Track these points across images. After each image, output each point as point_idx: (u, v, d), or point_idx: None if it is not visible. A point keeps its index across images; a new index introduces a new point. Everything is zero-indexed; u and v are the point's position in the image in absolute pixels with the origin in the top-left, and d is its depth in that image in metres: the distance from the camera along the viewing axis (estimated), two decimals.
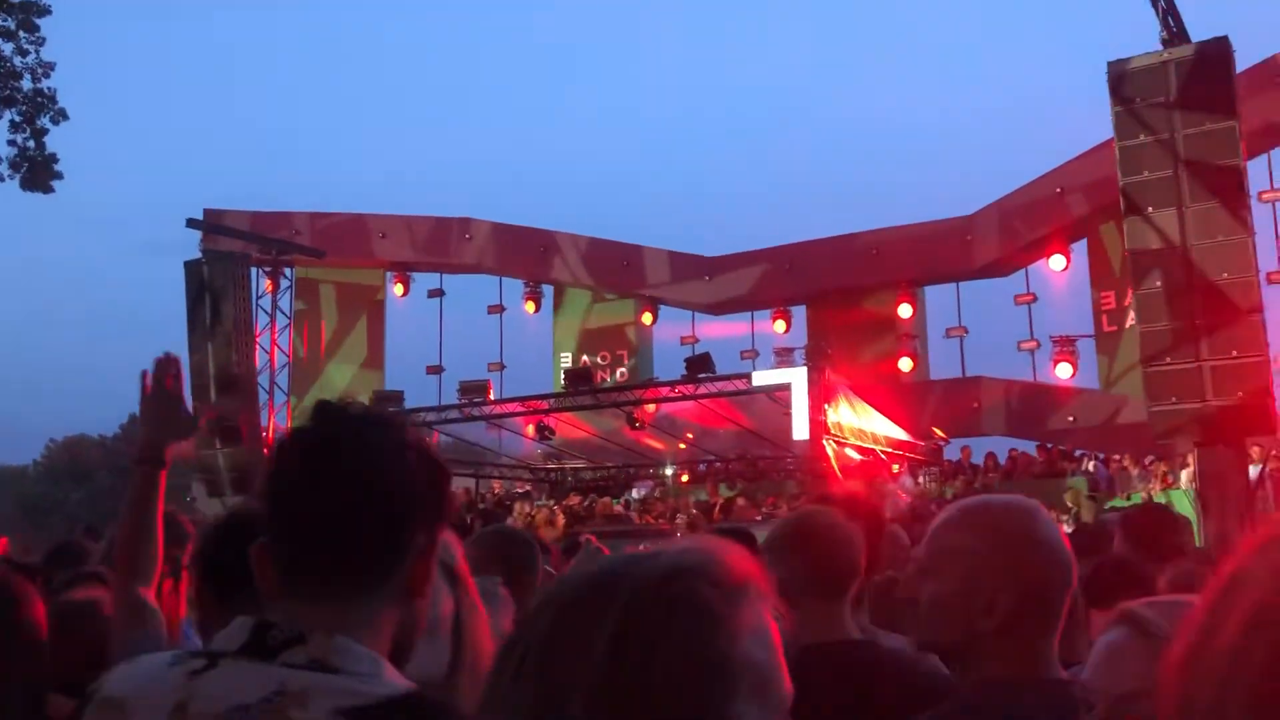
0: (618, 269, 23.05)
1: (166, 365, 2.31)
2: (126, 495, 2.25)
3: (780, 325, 21.84)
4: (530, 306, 23.80)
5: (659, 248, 23.37)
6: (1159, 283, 12.56)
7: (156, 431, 2.26)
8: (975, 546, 1.54)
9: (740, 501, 16.06)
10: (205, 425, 19.61)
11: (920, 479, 16.60)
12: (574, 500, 18.41)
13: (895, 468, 16.36)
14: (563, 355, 23.42)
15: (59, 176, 19.03)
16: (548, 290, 23.91)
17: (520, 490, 19.69)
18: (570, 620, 0.84)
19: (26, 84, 18.39)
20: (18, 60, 18.31)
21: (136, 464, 2.25)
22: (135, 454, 2.27)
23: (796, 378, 13.95)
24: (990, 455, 17.77)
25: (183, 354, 20.56)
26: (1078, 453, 16.97)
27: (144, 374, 2.30)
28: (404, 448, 1.25)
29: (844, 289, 20.94)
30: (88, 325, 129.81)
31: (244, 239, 21.99)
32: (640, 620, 0.81)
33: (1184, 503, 12.76)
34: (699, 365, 15.22)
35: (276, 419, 22.74)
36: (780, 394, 14.15)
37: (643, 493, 19.11)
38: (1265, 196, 16.76)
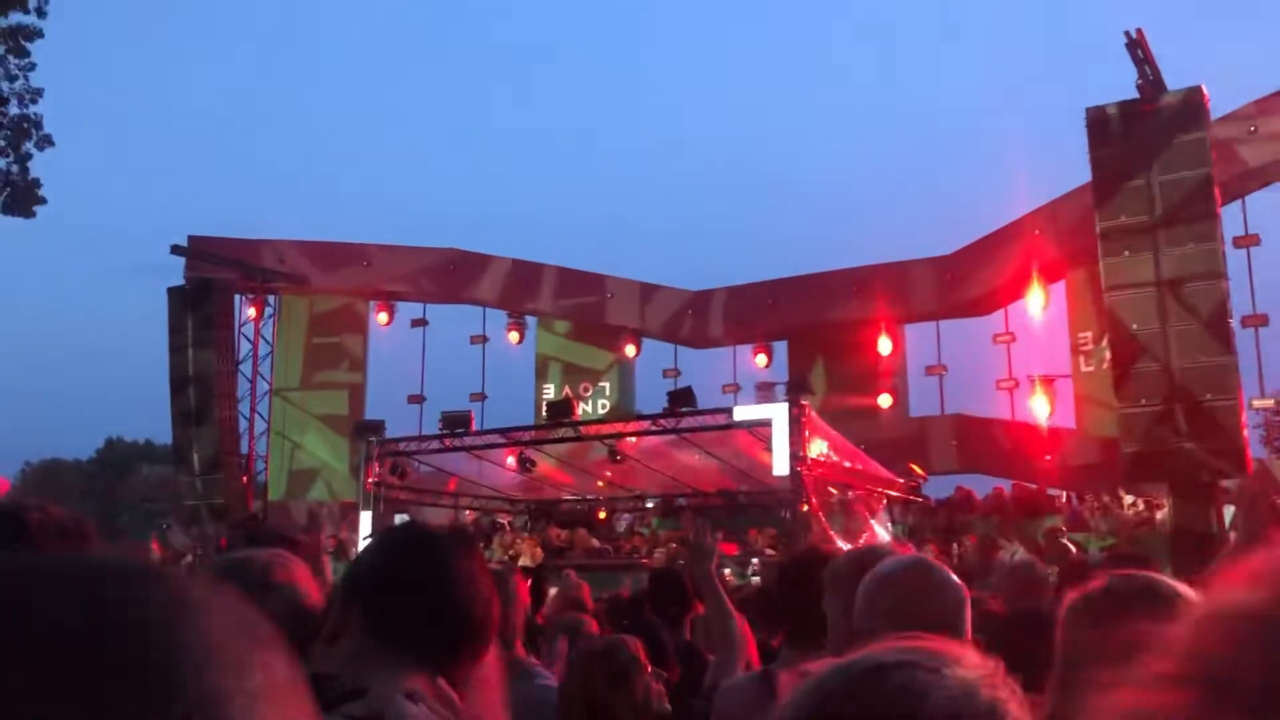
0: (600, 302, 23.15)
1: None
2: None
3: (762, 359, 21.95)
4: (514, 336, 23.81)
5: (641, 280, 23.49)
6: (1135, 325, 12.74)
7: None
8: None
9: (718, 536, 16.04)
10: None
11: (897, 516, 16.68)
12: (553, 533, 18.37)
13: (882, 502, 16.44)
14: (545, 386, 23.44)
15: (42, 202, 19.01)
16: (531, 321, 23.94)
17: (502, 521, 19.65)
18: None
19: (13, 109, 18.39)
20: (5, 85, 18.33)
21: None
22: None
23: (777, 413, 13.96)
24: (961, 490, 17.92)
25: (163, 381, 20.57)
26: (1053, 491, 17.09)
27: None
28: (491, 572, 1.71)
29: (825, 325, 21.08)
30: (67, 349, 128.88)
31: (228, 266, 22.02)
32: None
33: (1158, 544, 12.85)
34: (681, 399, 15.25)
35: (256, 446, 22.68)
36: (761, 429, 14.19)
37: (623, 525, 19.08)
38: (1239, 242, 17.01)
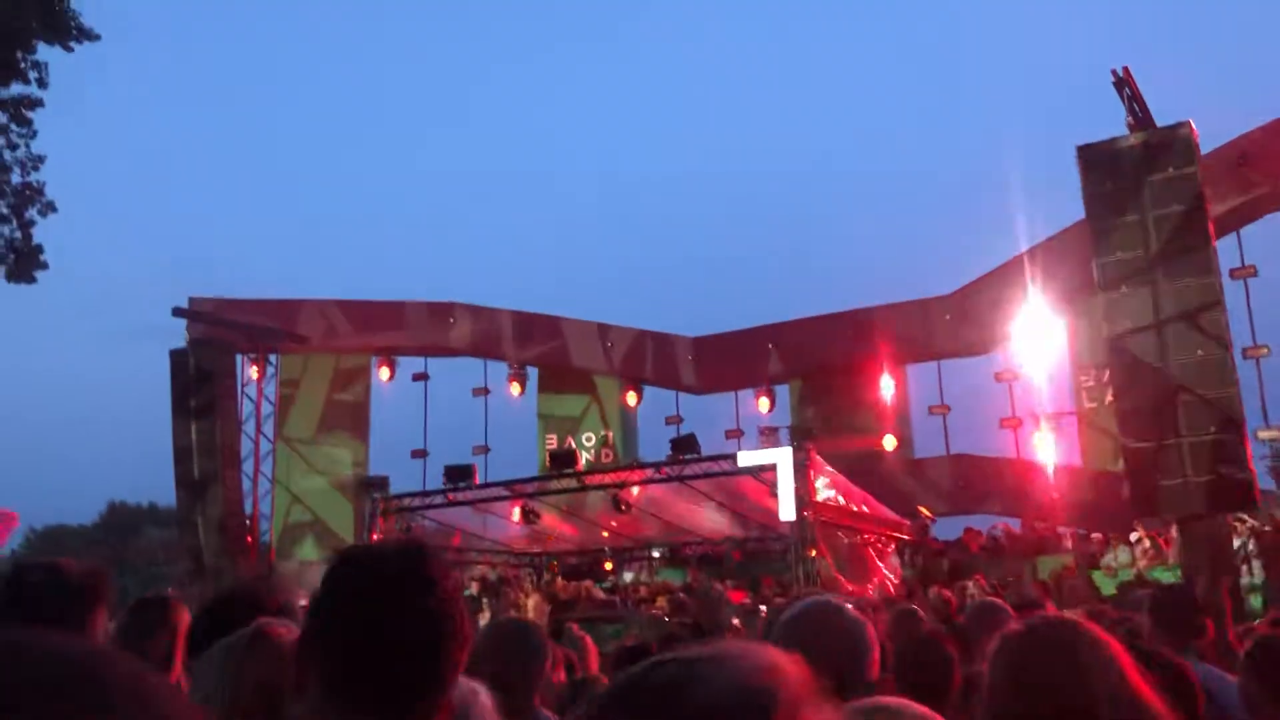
0: (600, 350, 23.20)
1: None
2: None
3: (764, 404, 21.92)
4: (515, 388, 23.83)
5: (641, 328, 23.56)
6: (1137, 359, 12.73)
7: None
8: None
9: (725, 584, 15.97)
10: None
11: (906, 559, 16.59)
12: (559, 585, 18.25)
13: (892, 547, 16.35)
14: (547, 437, 23.41)
15: (45, 267, 19.12)
16: (532, 372, 23.99)
17: (507, 575, 19.52)
18: None
19: (15, 177, 18.57)
20: (7, 154, 18.52)
21: None
22: None
23: (782, 457, 13.91)
24: (969, 532, 17.82)
25: (166, 443, 20.51)
26: (1061, 529, 17.00)
27: None
28: (457, 588, 1.50)
29: (827, 367, 21.09)
30: (69, 413, 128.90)
31: (229, 327, 22.09)
32: None
33: (1168, 579, 12.77)
34: (684, 445, 15.22)
35: (260, 505, 22.60)
36: (766, 474, 14.14)
37: (630, 576, 18.97)
38: (1236, 274, 17.08)
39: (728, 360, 22.30)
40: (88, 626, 1.95)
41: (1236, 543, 12.96)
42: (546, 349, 23.52)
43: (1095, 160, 13.43)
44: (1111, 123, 13.80)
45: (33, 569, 2.19)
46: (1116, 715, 1.63)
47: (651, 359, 22.98)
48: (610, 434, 23.14)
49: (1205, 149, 14.17)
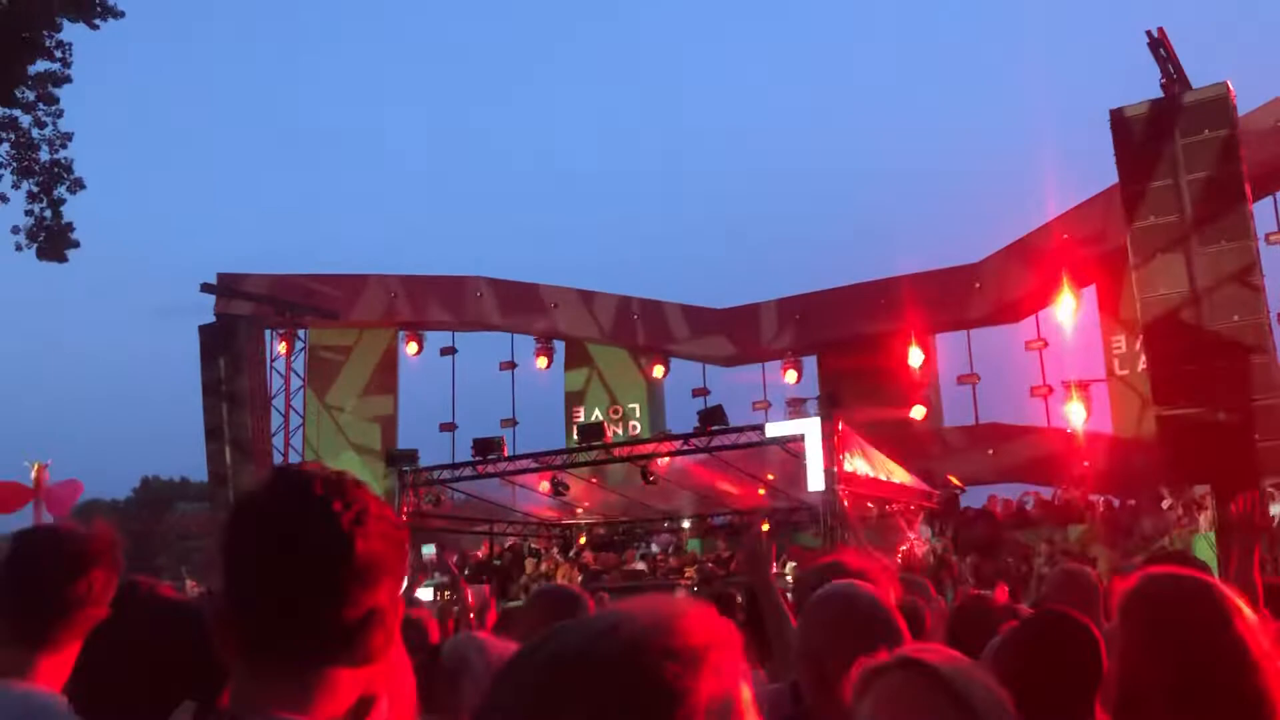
0: (629, 323, 23.16)
1: None
2: None
3: (791, 375, 21.84)
4: (542, 362, 23.86)
5: (670, 301, 23.49)
6: (1170, 325, 12.59)
7: None
8: None
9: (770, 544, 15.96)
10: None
11: (936, 529, 16.51)
12: (588, 557, 18.32)
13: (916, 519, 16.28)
14: (575, 410, 23.45)
15: (75, 245, 19.19)
16: (559, 345, 24.00)
17: (535, 547, 19.62)
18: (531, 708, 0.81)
19: (44, 155, 18.61)
20: (35, 132, 18.56)
21: None
22: None
23: (810, 428, 13.87)
24: (997, 500, 17.71)
25: (198, 418, 20.69)
26: (1092, 498, 16.86)
27: None
28: (362, 513, 1.23)
29: (854, 337, 20.97)
30: (99, 389, 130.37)
31: (258, 302, 22.19)
32: (602, 710, 0.78)
33: (1203, 546, 12.66)
34: (712, 417, 15.19)
35: None
36: (794, 445, 14.10)
37: (657, 548, 19.03)
38: (1273, 238, 16.79)
39: (753, 332, 22.22)
40: (81, 587, 1.99)
41: (1273, 509, 12.82)
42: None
43: (1128, 124, 13.25)
44: (1146, 85, 13.58)
45: (30, 532, 2.24)
46: (1248, 679, 1.58)
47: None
48: (629, 406, 23.15)
49: (1244, 109, 13.92)
